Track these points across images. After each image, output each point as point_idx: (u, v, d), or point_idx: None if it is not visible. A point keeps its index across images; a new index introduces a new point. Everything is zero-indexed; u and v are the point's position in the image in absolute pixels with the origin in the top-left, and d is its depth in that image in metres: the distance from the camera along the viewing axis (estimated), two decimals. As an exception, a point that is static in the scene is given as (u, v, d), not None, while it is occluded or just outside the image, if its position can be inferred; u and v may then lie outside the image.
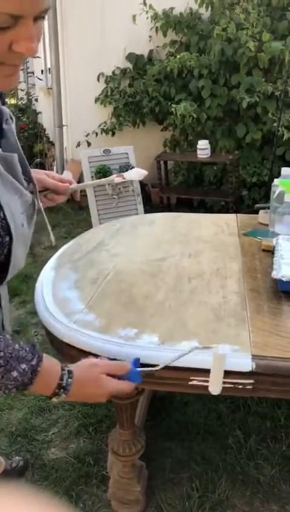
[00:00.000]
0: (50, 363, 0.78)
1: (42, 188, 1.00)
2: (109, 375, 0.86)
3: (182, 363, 0.96)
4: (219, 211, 3.96)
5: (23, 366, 0.73)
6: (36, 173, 0.99)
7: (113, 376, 0.86)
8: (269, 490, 1.49)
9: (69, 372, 0.80)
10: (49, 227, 1.00)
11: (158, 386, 1.08)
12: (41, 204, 0.99)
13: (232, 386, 0.97)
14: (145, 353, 0.97)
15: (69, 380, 0.79)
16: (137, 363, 0.93)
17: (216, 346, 0.97)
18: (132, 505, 1.38)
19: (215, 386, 0.94)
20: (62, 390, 0.79)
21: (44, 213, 0.93)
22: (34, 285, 1.32)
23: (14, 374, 0.72)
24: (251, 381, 0.95)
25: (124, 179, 1.09)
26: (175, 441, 1.68)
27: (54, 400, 0.80)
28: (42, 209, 0.91)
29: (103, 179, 1.16)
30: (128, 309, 1.14)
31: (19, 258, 0.81)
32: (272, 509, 1.43)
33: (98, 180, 1.18)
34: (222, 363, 0.92)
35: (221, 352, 0.95)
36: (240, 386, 0.96)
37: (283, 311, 1.12)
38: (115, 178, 1.09)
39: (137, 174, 1.11)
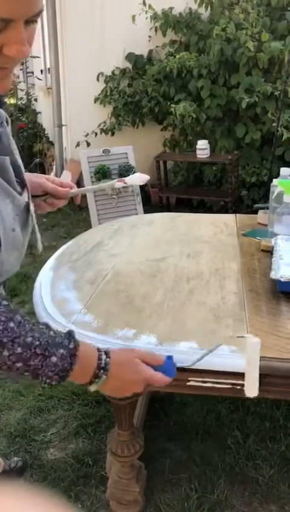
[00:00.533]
0: (87, 347, 0.77)
1: (42, 193, 0.99)
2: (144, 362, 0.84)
3: (179, 363, 0.96)
4: (219, 211, 3.96)
5: (61, 351, 0.72)
6: (36, 177, 0.99)
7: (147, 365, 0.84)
8: (267, 490, 1.49)
9: (106, 352, 0.79)
10: (38, 235, 0.97)
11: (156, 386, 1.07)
12: (39, 209, 1.00)
13: (230, 386, 0.97)
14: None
15: (107, 359, 0.78)
16: (171, 359, 0.90)
17: (248, 336, 0.94)
18: (131, 505, 1.38)
19: (251, 387, 0.91)
20: (102, 371, 0.76)
21: (35, 220, 0.90)
22: (33, 285, 1.32)
23: (54, 359, 0.71)
24: (250, 382, 0.95)
25: (126, 183, 1.07)
26: (174, 442, 1.68)
27: (92, 388, 0.77)
28: (34, 215, 0.90)
29: (104, 184, 1.14)
30: (126, 309, 1.14)
31: (10, 262, 0.80)
32: (270, 510, 1.43)
33: (99, 185, 1.16)
34: (257, 353, 0.89)
35: (254, 340, 0.91)
36: (239, 387, 0.96)
37: (282, 312, 1.12)
38: (116, 183, 1.08)
39: (139, 179, 1.09)
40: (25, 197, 0.84)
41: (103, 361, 0.77)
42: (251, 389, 0.92)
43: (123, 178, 1.09)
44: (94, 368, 0.76)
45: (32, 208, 0.88)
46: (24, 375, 0.72)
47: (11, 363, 0.69)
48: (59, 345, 0.73)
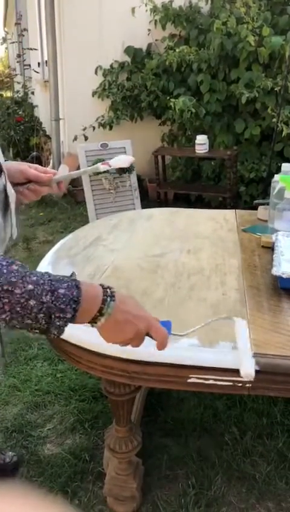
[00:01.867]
0: (87, 282, 0.75)
1: (25, 180, 0.98)
2: None
3: (181, 360, 0.95)
4: (217, 207, 3.95)
5: (65, 284, 0.70)
6: (18, 165, 0.98)
7: None
8: (264, 487, 1.49)
9: (109, 286, 0.76)
10: (14, 220, 0.94)
11: (157, 383, 1.06)
12: (23, 197, 0.98)
13: (231, 384, 0.96)
14: (144, 350, 0.96)
15: (112, 289, 0.74)
16: (170, 323, 0.88)
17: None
18: (128, 501, 1.37)
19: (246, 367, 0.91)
20: (108, 298, 0.72)
21: (13, 207, 0.89)
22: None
23: (61, 291, 0.69)
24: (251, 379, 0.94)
25: (110, 166, 1.06)
26: (171, 438, 1.67)
27: (101, 320, 0.73)
28: (13, 203, 0.89)
29: (88, 168, 1.13)
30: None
31: None
32: (267, 506, 1.43)
33: (83, 170, 1.18)
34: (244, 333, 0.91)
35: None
36: (239, 384, 0.95)
37: (283, 309, 1.11)
38: (101, 166, 1.06)
39: (123, 161, 1.08)
40: (2, 179, 0.82)
41: (109, 291, 0.74)
42: (248, 372, 0.92)
43: (107, 161, 1.07)
44: (101, 295, 0.72)
45: (11, 191, 0.86)
46: (37, 319, 0.68)
47: (24, 300, 0.67)
48: (61, 280, 0.71)
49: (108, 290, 0.74)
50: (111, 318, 0.73)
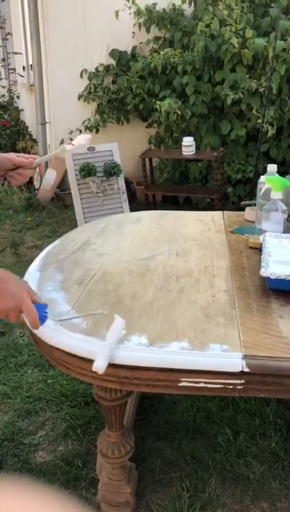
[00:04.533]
0: None
1: (13, 166, 1.18)
2: None
3: (171, 364, 0.94)
4: (205, 208, 3.96)
5: None
6: (6, 154, 1.19)
7: None
8: (259, 487, 1.49)
9: None
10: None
11: (147, 388, 1.06)
12: (14, 180, 1.19)
13: (222, 386, 0.96)
14: (134, 355, 0.96)
15: None
16: (46, 308, 0.97)
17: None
18: (122, 507, 1.36)
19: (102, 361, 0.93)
20: None
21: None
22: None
23: None
24: (241, 381, 0.94)
25: (73, 145, 1.27)
26: (164, 441, 1.67)
27: None
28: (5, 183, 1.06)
29: (56, 150, 1.35)
30: (116, 310, 1.12)
31: None
32: (262, 507, 1.43)
33: (54, 152, 1.40)
34: (118, 330, 0.99)
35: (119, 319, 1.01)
36: (230, 387, 0.95)
37: (272, 310, 1.11)
38: (66, 146, 1.27)
39: (83, 138, 1.30)
40: None
41: None
42: (97, 366, 0.93)
43: (71, 141, 1.30)
44: None
45: None
46: None
47: None
48: None
49: None
50: None
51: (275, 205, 1.49)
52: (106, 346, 0.95)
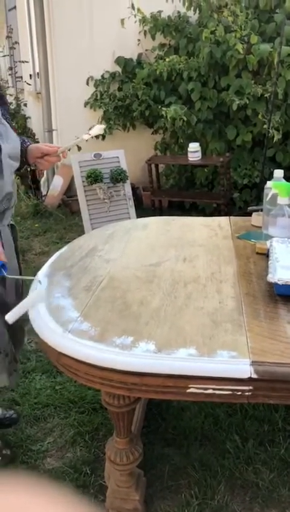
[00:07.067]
0: None
1: (41, 154, 1.44)
2: None
3: (180, 370, 0.95)
4: (211, 214, 3.96)
5: None
6: (35, 144, 1.48)
7: None
8: (268, 495, 1.48)
9: None
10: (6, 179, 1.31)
11: (156, 394, 1.06)
12: (42, 166, 1.51)
13: (230, 392, 0.96)
14: (142, 361, 0.96)
15: None
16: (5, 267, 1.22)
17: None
18: (131, 514, 1.36)
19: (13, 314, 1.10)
20: None
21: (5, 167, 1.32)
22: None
23: None
24: (250, 387, 0.94)
25: (90, 134, 1.44)
26: (172, 447, 1.66)
27: None
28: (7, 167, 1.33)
29: (77, 139, 1.53)
30: (123, 316, 1.12)
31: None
32: (272, 514, 1.42)
33: (74, 141, 1.56)
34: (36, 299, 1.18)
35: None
36: (239, 393, 0.95)
37: (280, 316, 1.11)
38: (84, 135, 1.45)
39: (98, 128, 1.47)
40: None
41: None
42: (12, 316, 1.10)
43: (88, 132, 1.47)
44: None
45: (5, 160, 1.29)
46: None
47: None
48: None
49: None
50: None
51: (282, 210, 1.49)
52: (24, 305, 1.13)
